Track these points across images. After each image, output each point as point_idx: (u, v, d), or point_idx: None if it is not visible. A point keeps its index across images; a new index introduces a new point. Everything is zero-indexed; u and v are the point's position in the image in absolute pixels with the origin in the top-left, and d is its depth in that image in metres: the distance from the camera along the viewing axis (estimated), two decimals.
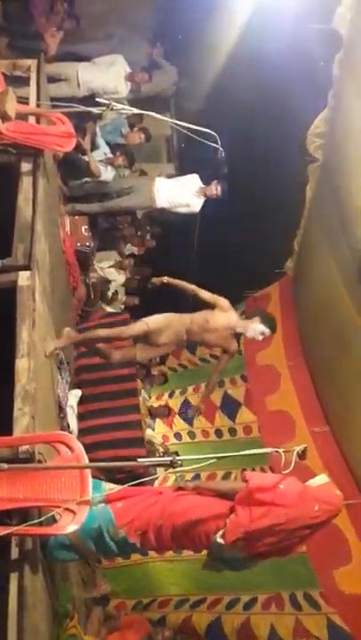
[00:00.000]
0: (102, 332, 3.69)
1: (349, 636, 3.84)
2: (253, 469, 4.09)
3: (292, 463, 2.57)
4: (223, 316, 3.52)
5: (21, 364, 2.79)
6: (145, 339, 3.57)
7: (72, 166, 4.82)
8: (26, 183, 3.51)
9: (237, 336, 3.64)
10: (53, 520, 2.31)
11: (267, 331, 3.51)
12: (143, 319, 3.61)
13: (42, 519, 2.32)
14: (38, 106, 3.88)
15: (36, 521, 2.28)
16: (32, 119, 3.72)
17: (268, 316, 3.64)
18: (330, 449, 4.68)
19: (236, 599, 4.27)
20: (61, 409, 3.68)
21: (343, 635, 3.86)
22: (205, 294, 3.55)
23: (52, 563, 2.76)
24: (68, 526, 2.26)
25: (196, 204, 5.28)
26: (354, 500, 4.20)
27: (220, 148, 4.54)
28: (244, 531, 2.55)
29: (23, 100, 3.76)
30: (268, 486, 2.62)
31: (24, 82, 3.97)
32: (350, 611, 3.97)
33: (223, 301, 3.55)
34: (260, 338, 3.53)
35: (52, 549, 2.67)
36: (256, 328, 3.49)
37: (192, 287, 3.59)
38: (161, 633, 3.67)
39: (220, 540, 2.59)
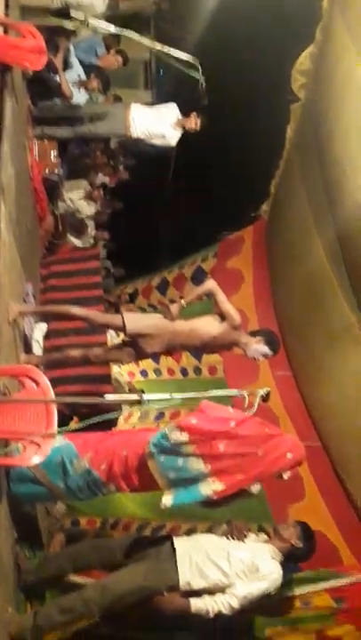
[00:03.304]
0: (75, 310, 3.39)
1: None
2: None
3: (256, 405, 2.63)
4: (230, 332, 3.26)
5: None
6: (132, 345, 3.34)
7: (42, 85, 4.49)
8: None
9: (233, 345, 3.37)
10: (17, 452, 2.31)
11: (269, 353, 3.29)
12: (123, 315, 3.33)
13: (6, 450, 2.31)
14: (7, 15, 3.55)
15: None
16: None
17: (273, 336, 3.37)
18: (291, 393, 4.81)
19: (193, 528, 4.48)
20: (27, 343, 3.62)
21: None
22: (224, 305, 3.24)
23: (19, 500, 2.77)
24: (33, 458, 2.26)
25: (173, 137, 5.03)
26: (311, 442, 4.38)
27: (202, 77, 4.30)
28: (195, 417, 2.66)
29: None
30: (220, 405, 2.75)
31: None
32: None
33: (237, 318, 3.26)
34: (261, 359, 3.33)
35: (16, 484, 2.68)
36: (258, 349, 3.26)
37: (214, 289, 3.27)
38: None
39: (171, 426, 2.68)
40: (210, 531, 4.23)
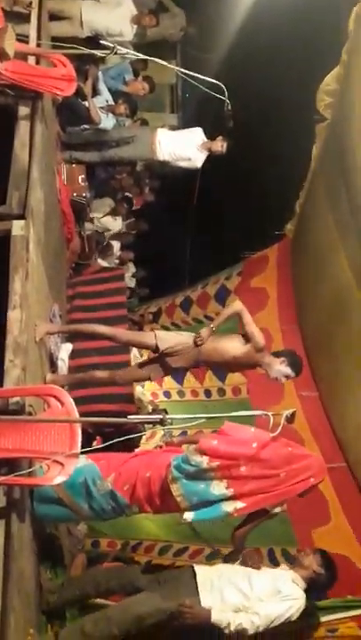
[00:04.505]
0: (102, 329, 3.50)
1: None
2: None
3: (280, 426, 2.61)
4: (253, 354, 3.27)
5: (13, 316, 2.76)
6: (158, 361, 3.42)
7: (71, 111, 4.62)
8: (23, 127, 3.38)
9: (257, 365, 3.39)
10: (41, 472, 2.34)
11: (292, 374, 3.28)
12: (155, 333, 3.42)
13: (30, 470, 2.34)
14: (39, 45, 3.69)
15: (24, 472, 2.30)
16: (32, 59, 3.54)
17: (296, 358, 3.36)
18: (317, 413, 4.75)
19: (217, 551, 4.42)
20: (52, 362, 3.68)
21: None
22: (250, 326, 3.26)
23: (42, 520, 2.80)
24: (56, 478, 2.28)
25: (198, 159, 5.11)
26: (337, 463, 4.30)
27: (227, 101, 4.35)
28: (217, 439, 2.69)
29: (23, 39, 3.56)
30: (242, 426, 2.77)
31: (24, 19, 3.75)
32: None
33: (261, 341, 3.26)
34: (283, 380, 3.33)
35: (39, 504, 2.70)
36: (281, 370, 3.25)
37: (241, 311, 3.30)
38: None
39: (192, 449, 2.70)
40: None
